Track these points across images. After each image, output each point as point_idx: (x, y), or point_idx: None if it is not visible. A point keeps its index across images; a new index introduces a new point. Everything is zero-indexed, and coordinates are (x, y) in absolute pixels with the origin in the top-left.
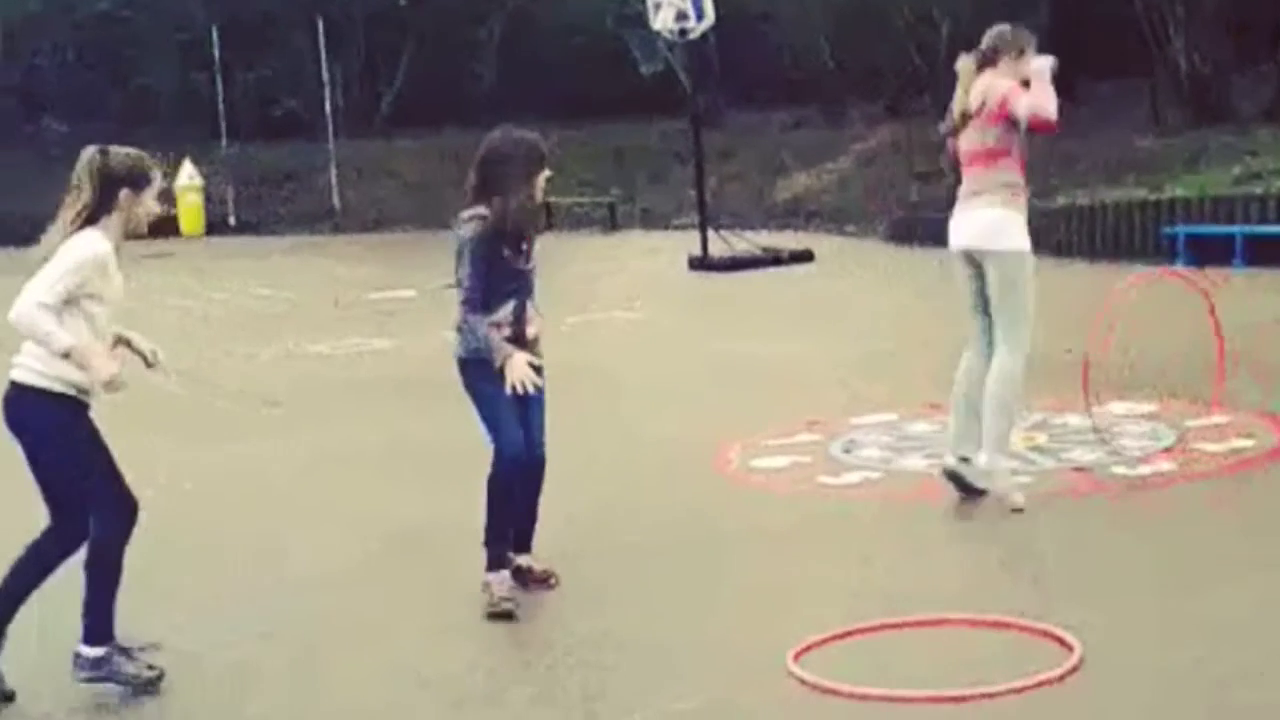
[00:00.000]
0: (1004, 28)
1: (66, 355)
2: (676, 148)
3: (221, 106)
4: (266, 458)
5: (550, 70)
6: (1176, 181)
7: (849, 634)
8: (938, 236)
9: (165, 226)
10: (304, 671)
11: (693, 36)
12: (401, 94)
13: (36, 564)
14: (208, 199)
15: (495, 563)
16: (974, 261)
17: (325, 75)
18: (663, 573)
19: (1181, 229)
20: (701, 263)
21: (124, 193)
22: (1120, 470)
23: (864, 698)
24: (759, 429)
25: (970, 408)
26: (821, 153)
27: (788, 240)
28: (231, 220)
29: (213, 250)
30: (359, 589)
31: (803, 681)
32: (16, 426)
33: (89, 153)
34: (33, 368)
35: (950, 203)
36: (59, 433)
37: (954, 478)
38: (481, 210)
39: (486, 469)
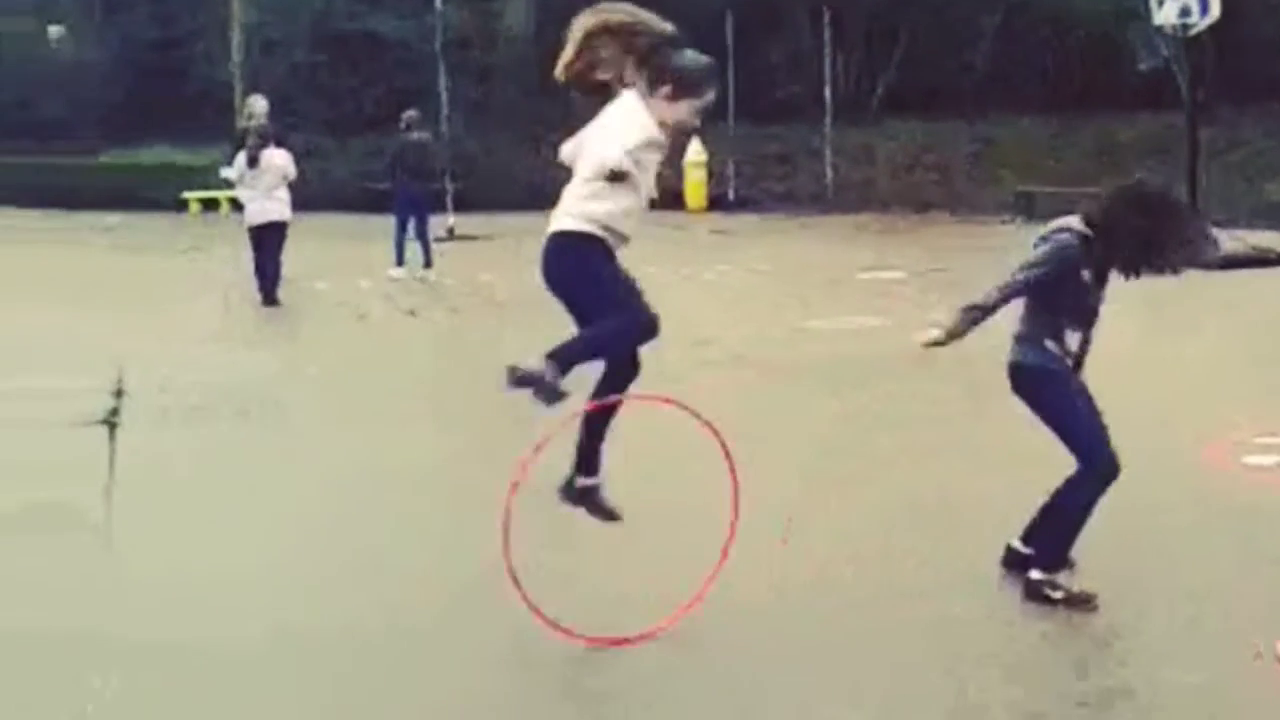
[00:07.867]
0: None
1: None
2: (1162, 142)
3: (732, 90)
4: (780, 421)
5: (1043, 62)
6: None
7: None
8: None
9: (670, 200)
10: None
11: (1195, 31)
12: (894, 82)
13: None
14: (710, 175)
15: (1061, 565)
16: None
17: (827, 62)
18: (1160, 556)
19: None
20: None
21: (668, 88)
22: None
23: None
24: (1246, 427)
25: None
26: None
27: (1278, 241)
28: (730, 195)
29: (716, 223)
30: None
31: None
32: (554, 277)
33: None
34: (569, 211)
35: None
36: (587, 267)
37: None
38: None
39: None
